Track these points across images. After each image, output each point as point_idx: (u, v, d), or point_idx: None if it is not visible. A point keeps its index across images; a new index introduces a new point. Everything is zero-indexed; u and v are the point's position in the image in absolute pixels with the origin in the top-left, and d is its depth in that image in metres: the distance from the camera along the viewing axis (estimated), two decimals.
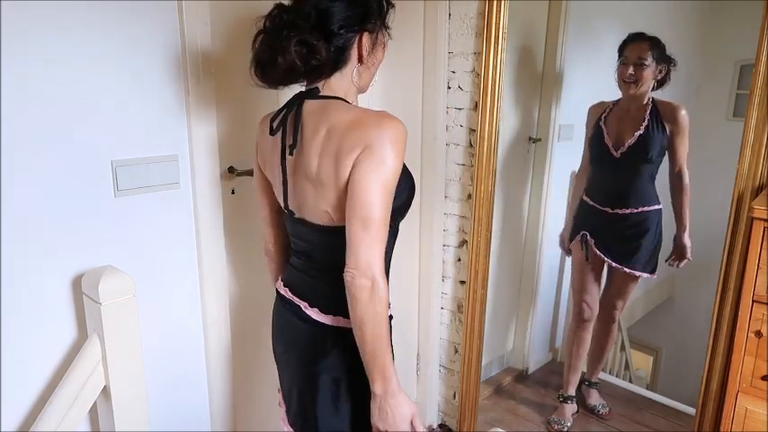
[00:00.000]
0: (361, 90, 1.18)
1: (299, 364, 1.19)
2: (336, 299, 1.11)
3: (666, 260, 2.11)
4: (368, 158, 0.99)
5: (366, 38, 1.09)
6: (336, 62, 1.08)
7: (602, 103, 2.18)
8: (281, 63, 1.04)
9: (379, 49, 1.14)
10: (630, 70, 2.02)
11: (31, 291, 1.26)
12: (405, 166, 1.12)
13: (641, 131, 2.03)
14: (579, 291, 2.27)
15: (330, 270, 1.12)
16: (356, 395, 1.13)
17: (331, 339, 1.14)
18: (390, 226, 1.13)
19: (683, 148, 2.03)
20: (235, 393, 1.69)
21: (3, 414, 1.27)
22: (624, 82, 2.05)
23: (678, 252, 2.08)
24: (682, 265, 2.08)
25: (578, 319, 2.28)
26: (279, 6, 1.07)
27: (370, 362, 1.04)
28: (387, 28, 1.14)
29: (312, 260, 1.17)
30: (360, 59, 1.11)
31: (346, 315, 1.11)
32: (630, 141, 2.04)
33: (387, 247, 1.16)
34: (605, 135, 2.11)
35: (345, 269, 1.01)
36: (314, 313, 1.15)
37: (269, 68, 1.07)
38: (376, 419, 1.07)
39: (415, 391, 2.32)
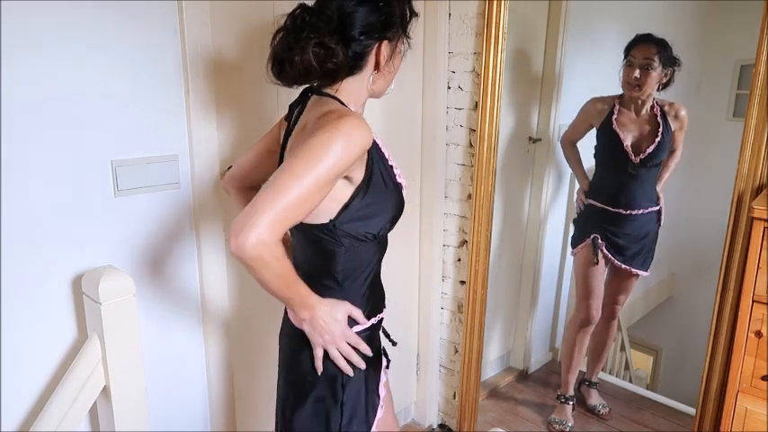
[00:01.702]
0: (376, 96, 1.17)
1: (281, 361, 1.23)
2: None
3: None
4: (311, 138, 0.96)
5: (385, 46, 1.09)
6: (352, 68, 1.08)
7: (603, 99, 2.15)
8: (298, 63, 1.04)
9: (397, 58, 1.14)
10: (636, 73, 1.99)
11: (31, 291, 1.26)
12: (396, 183, 1.11)
13: (659, 138, 2.03)
14: (588, 295, 2.24)
15: (303, 270, 1.12)
16: (317, 398, 1.13)
17: (302, 340, 1.12)
18: (373, 237, 1.11)
19: (681, 139, 2.07)
20: (235, 393, 1.69)
21: (3, 414, 1.26)
22: (628, 84, 2.03)
23: None
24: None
25: (584, 323, 2.26)
26: (302, 6, 1.07)
27: (287, 302, 1.03)
28: (407, 37, 1.14)
29: (295, 257, 1.19)
30: (377, 67, 1.11)
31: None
32: (650, 148, 2.03)
33: (368, 257, 1.14)
34: (624, 141, 2.07)
35: (237, 229, 0.90)
36: (290, 312, 1.16)
37: (286, 67, 1.07)
38: (315, 336, 1.07)
39: (415, 391, 2.32)
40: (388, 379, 1.30)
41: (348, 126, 0.97)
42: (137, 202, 1.39)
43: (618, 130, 2.08)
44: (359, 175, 1.05)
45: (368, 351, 1.12)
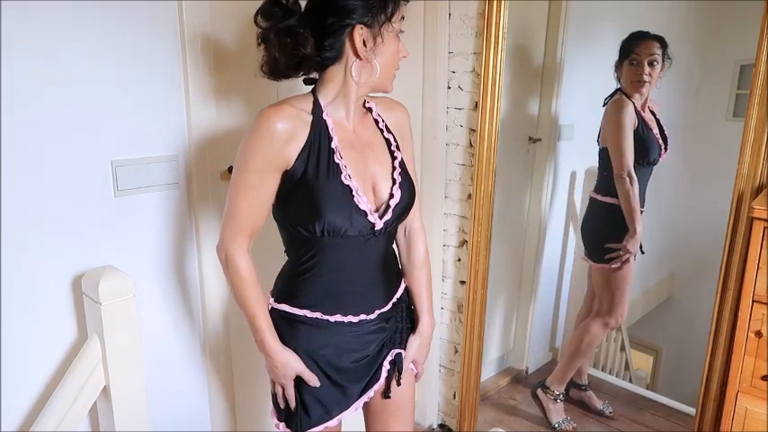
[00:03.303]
0: (377, 87, 1.14)
1: None
2: (276, 279, 1.23)
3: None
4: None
5: (361, 31, 1.06)
6: (327, 58, 1.08)
7: (621, 100, 2.06)
8: (267, 55, 1.07)
9: (381, 44, 1.08)
10: (646, 70, 1.97)
11: (32, 291, 1.26)
12: (342, 183, 1.07)
13: (666, 132, 2.02)
14: (626, 298, 2.19)
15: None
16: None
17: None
18: (309, 232, 1.09)
19: None
20: (235, 393, 1.69)
21: (3, 414, 1.26)
22: (637, 82, 2.00)
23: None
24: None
25: (615, 325, 2.23)
26: (269, 1, 1.07)
27: (249, 324, 1.18)
28: (391, 21, 1.08)
29: None
30: (356, 54, 1.08)
31: (276, 298, 1.21)
32: (669, 143, 2.03)
33: (308, 252, 1.13)
34: (659, 140, 2.05)
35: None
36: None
37: (267, 61, 1.09)
38: (269, 371, 1.20)
39: (415, 391, 2.32)
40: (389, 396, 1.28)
41: (257, 122, 1.05)
42: (137, 202, 1.40)
43: (651, 128, 2.05)
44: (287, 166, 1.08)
45: (314, 382, 1.18)
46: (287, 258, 1.20)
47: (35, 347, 1.29)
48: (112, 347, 1.28)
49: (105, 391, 1.31)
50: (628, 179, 2.02)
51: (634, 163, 2.04)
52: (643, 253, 2.13)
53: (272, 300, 1.21)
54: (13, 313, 1.24)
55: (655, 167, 2.09)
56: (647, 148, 2.06)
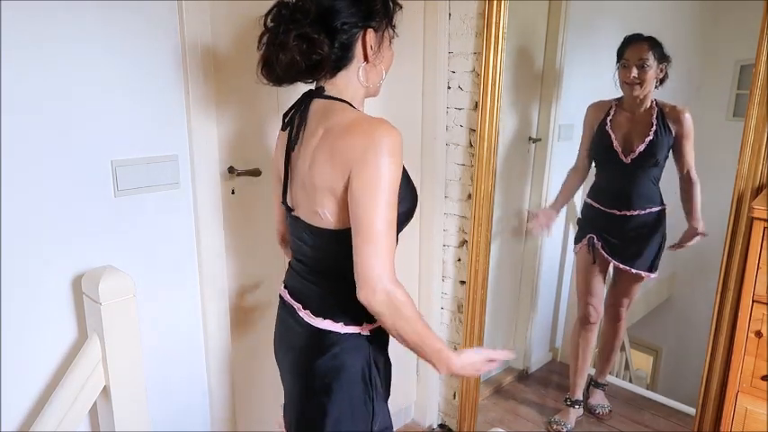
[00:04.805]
0: (371, 93, 1.16)
1: (294, 367, 1.19)
2: (327, 302, 1.12)
3: (674, 246, 2.11)
4: (364, 170, 0.97)
5: (371, 35, 1.08)
6: (340, 59, 1.07)
7: (601, 103, 2.16)
8: (282, 59, 1.04)
9: (386, 49, 1.13)
10: (634, 72, 2.00)
11: (31, 291, 1.26)
12: (406, 175, 1.09)
13: (651, 137, 2.02)
14: (586, 293, 2.24)
15: (323, 273, 1.14)
16: (345, 400, 1.12)
17: (322, 343, 1.12)
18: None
19: (690, 150, 2.03)
20: (235, 393, 1.69)
21: (3, 414, 1.26)
22: (627, 84, 2.04)
23: (690, 234, 2.07)
24: (693, 242, 2.08)
25: (584, 322, 2.27)
26: (279, 3, 1.07)
27: (421, 354, 1.06)
28: (393, 27, 1.13)
29: (307, 261, 1.16)
30: (365, 57, 1.09)
31: (336, 319, 1.11)
32: (641, 147, 2.03)
33: None
34: (614, 141, 2.08)
35: (358, 288, 0.99)
36: (306, 315, 1.14)
37: (273, 66, 1.07)
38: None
39: (415, 391, 2.32)
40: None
41: (393, 144, 0.99)
42: (137, 202, 1.39)
43: (610, 130, 2.09)
44: None
45: (509, 356, 1.17)
46: (339, 282, 1.08)
47: (35, 347, 1.29)
48: (112, 347, 1.28)
49: (105, 391, 1.31)
50: (567, 174, 2.31)
51: (601, 160, 2.18)
52: (655, 271, 2.14)
53: (358, 327, 1.11)
54: (13, 313, 1.24)
55: (660, 171, 2.09)
56: (602, 148, 2.13)
